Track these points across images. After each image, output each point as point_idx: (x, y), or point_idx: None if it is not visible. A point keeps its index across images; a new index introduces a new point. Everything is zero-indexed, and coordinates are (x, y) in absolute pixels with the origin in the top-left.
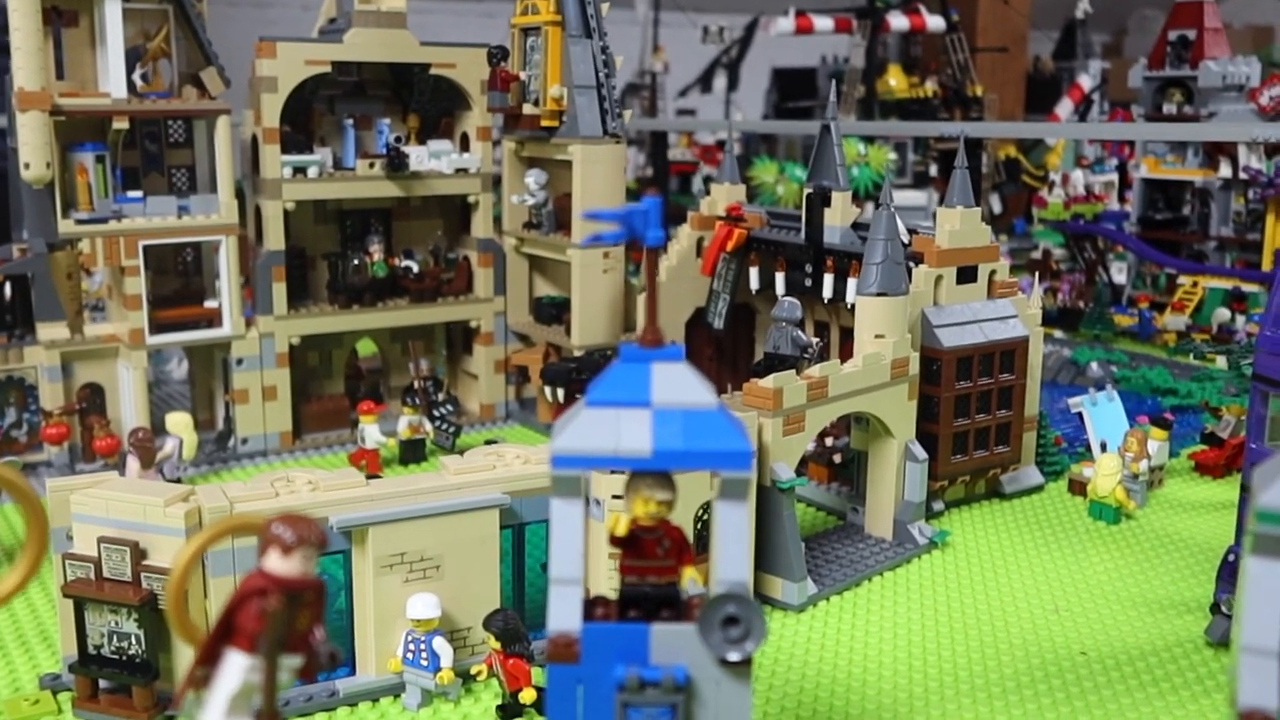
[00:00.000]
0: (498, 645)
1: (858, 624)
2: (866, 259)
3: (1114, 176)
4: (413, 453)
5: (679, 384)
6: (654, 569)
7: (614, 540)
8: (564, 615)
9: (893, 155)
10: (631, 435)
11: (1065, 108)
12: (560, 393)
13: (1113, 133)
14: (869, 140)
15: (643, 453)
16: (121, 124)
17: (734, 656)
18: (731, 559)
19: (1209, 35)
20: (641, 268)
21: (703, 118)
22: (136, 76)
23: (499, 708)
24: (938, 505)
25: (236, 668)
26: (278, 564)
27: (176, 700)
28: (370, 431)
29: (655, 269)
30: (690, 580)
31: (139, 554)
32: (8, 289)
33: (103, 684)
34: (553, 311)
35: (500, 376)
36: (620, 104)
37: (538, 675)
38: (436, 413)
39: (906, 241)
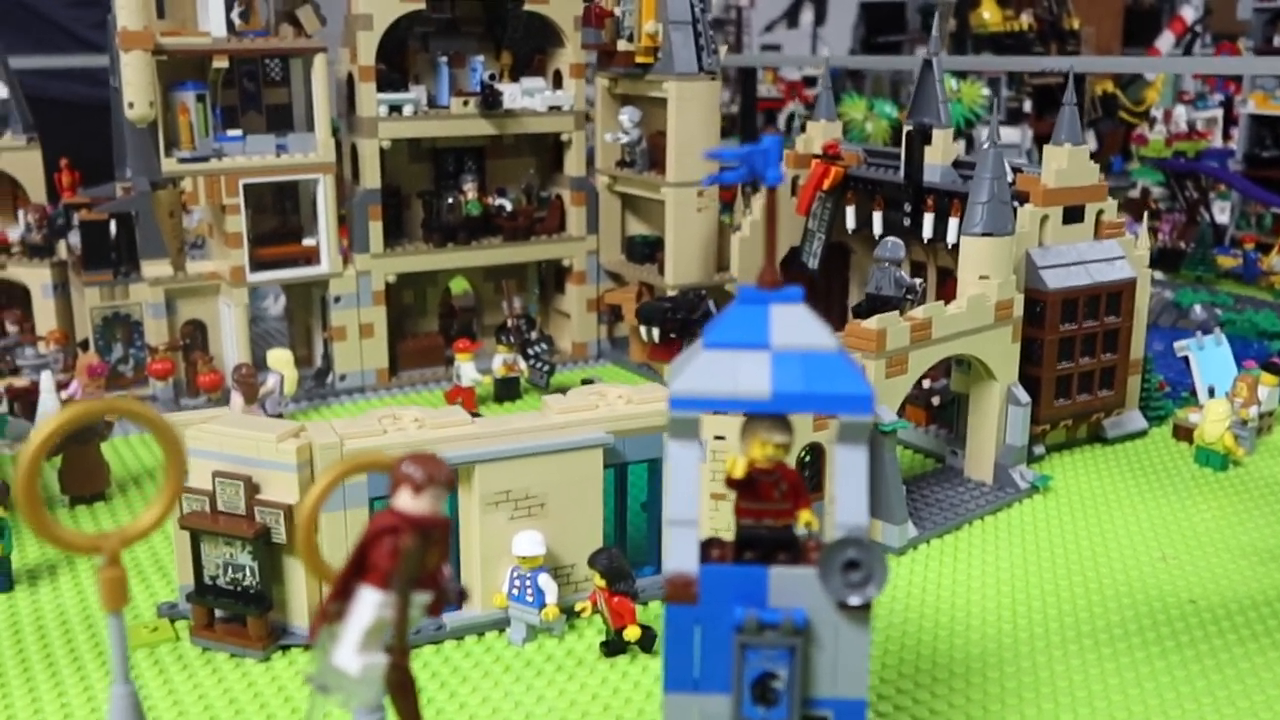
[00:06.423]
0: (602, 583)
1: (959, 568)
2: (972, 198)
3: (1218, 113)
4: (507, 390)
5: (798, 326)
6: (770, 511)
7: (730, 482)
8: (682, 556)
9: (986, 91)
10: (750, 377)
11: (1166, 41)
12: (655, 332)
13: (1225, 66)
14: (961, 76)
15: (762, 395)
16: (221, 63)
17: (855, 601)
18: (851, 503)
19: None
20: (734, 208)
21: (788, 53)
22: (234, 15)
23: (603, 644)
24: (1038, 449)
25: (370, 604)
26: (409, 502)
27: (312, 633)
28: (466, 369)
29: (775, 210)
30: (805, 524)
31: (252, 488)
32: (113, 227)
33: (218, 613)
34: (645, 250)
35: (592, 315)
36: (715, 40)
37: (642, 613)
38: (531, 351)
39: (1011, 180)
